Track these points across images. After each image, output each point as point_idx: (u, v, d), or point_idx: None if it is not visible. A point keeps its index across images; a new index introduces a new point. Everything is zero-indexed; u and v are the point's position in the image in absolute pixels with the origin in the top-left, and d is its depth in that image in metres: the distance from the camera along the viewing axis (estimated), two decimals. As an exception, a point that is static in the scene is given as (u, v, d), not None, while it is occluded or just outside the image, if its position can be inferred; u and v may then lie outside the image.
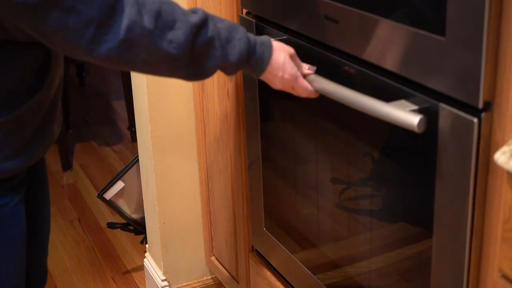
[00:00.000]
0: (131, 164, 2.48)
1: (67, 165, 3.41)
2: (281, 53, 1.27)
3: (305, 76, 1.31)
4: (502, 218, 1.01)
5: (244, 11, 1.68)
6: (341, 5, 1.27)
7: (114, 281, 2.55)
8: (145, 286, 2.49)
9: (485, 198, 1.06)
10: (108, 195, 2.46)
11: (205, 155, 2.12)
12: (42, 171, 1.51)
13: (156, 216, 2.22)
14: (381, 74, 1.21)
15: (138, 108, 2.18)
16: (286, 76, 1.28)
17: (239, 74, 1.76)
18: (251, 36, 1.26)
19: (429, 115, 1.10)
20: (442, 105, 1.08)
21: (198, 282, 2.35)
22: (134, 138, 3.54)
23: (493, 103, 1.01)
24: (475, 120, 1.02)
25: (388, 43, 1.17)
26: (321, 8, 1.34)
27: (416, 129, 1.09)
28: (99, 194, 2.50)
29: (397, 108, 1.13)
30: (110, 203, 2.51)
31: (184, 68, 1.17)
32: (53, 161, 3.50)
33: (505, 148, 0.95)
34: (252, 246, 1.93)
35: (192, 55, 1.16)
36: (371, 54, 1.23)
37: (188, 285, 2.34)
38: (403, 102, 1.15)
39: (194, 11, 1.17)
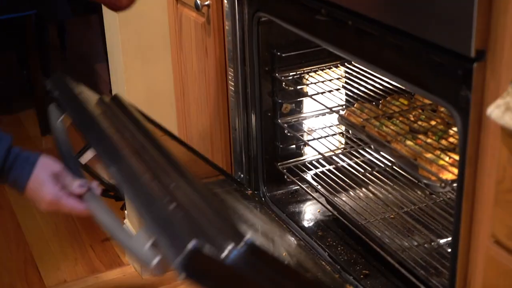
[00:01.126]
0: (108, 128, 2.39)
1: (46, 130, 3.32)
2: (42, 172, 1.20)
3: (78, 194, 1.22)
4: (495, 179, 0.92)
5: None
6: None
7: (93, 249, 2.48)
8: (124, 254, 2.42)
9: (477, 157, 0.97)
10: (84, 159, 2.36)
11: (184, 117, 2.04)
12: None
13: (134, 181, 2.14)
14: (366, 24, 1.13)
15: (114, 70, 2.09)
16: (46, 197, 1.20)
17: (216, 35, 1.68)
18: (17, 151, 1.20)
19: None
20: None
21: (179, 249, 2.28)
22: (116, 102, 3.45)
23: (486, 52, 0.91)
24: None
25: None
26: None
27: (155, 272, 0.98)
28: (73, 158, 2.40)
29: (137, 244, 1.01)
30: (85, 168, 2.41)
31: None
32: (32, 125, 3.41)
33: (499, 101, 0.86)
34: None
35: None
36: (357, 3, 1.16)
37: (168, 252, 2.27)
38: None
39: None
